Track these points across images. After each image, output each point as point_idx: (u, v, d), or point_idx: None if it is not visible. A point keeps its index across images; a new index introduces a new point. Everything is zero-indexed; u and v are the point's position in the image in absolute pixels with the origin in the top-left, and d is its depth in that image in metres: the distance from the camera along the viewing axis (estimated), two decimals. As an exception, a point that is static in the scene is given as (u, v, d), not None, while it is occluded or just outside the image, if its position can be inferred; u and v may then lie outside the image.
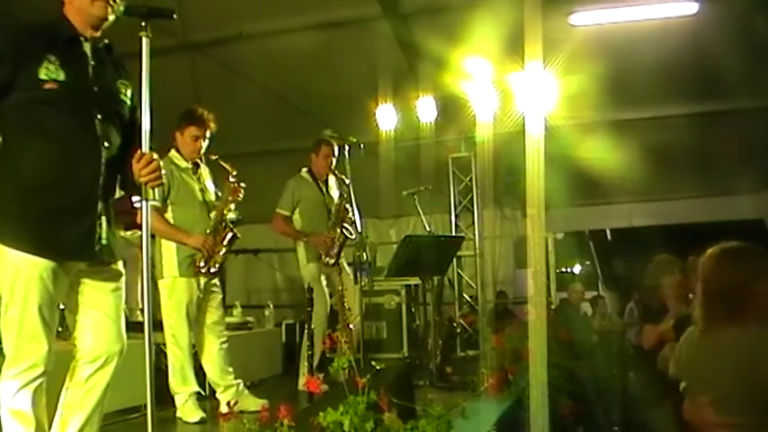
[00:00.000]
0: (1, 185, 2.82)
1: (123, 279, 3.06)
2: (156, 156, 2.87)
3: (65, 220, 2.81)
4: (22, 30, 2.86)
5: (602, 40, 6.80)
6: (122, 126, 3.00)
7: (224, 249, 4.97)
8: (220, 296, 5.15)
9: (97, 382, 2.95)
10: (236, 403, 3.49)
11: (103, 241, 2.91)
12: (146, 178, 2.84)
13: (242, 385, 5.10)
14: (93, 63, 2.91)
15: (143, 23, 2.77)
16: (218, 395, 5.06)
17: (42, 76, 2.74)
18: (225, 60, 7.87)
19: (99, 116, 2.87)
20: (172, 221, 4.93)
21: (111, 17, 2.90)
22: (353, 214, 5.88)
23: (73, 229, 2.82)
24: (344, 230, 5.97)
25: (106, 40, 2.99)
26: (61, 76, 2.77)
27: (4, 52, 2.76)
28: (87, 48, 2.91)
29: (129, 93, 3.05)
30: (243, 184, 4.98)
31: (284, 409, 1.99)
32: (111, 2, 2.85)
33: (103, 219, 2.91)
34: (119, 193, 5.27)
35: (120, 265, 3.06)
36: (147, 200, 2.87)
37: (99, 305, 2.96)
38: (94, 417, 2.98)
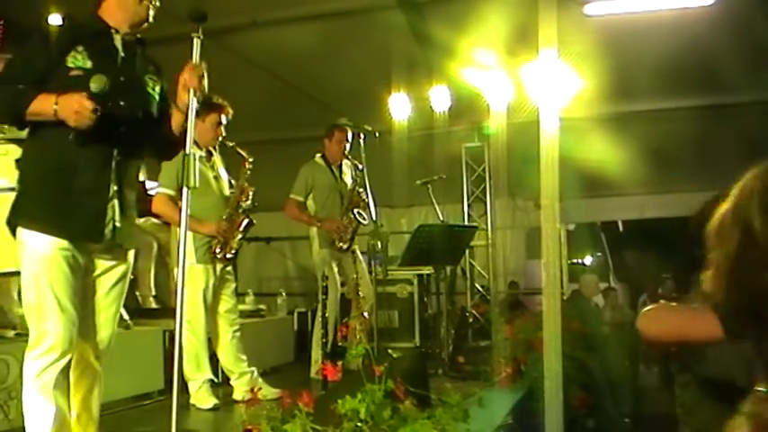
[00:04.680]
0: (25, 169, 2.96)
1: (129, 268, 3.13)
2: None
3: (75, 200, 2.87)
4: (56, 28, 3.06)
5: (617, 30, 6.76)
6: (148, 118, 3.10)
7: (240, 235, 4.99)
8: (234, 284, 5.17)
9: (84, 372, 3.01)
10: (259, 389, 3.50)
11: (117, 224, 2.95)
12: (192, 83, 3.01)
13: (256, 373, 5.12)
14: (122, 55, 3.02)
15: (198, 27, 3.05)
16: (232, 382, 5.09)
17: (69, 64, 2.86)
18: (238, 48, 7.85)
19: (122, 103, 2.93)
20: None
21: (151, 19, 3.05)
22: (367, 199, 5.89)
23: (82, 210, 2.89)
24: (357, 216, 5.98)
25: (138, 35, 3.10)
26: (88, 65, 2.88)
27: (41, 48, 2.90)
28: (118, 40, 3.03)
29: (157, 88, 3.15)
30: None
31: (306, 396, 1.99)
32: (154, 3, 3.02)
33: (116, 202, 2.95)
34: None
35: (130, 255, 3.13)
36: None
37: (98, 291, 3.02)
38: (91, 400, 3.04)
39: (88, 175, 2.88)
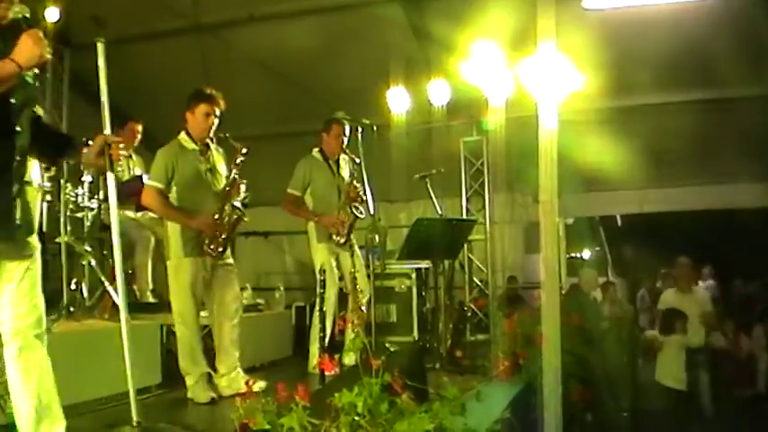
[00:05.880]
0: None
1: (38, 253, 3.14)
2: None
3: None
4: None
5: (615, 24, 6.75)
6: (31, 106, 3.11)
7: (227, 232, 4.95)
8: (232, 274, 5.09)
9: (29, 357, 3.04)
10: (254, 382, 3.50)
11: (18, 221, 2.98)
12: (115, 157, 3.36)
13: (238, 368, 5.08)
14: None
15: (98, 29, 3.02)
16: (214, 379, 5.05)
17: None
18: (236, 43, 7.84)
19: (12, 101, 2.91)
20: (176, 203, 4.93)
21: (11, 15, 2.94)
22: (365, 193, 5.86)
23: None
24: (354, 210, 5.96)
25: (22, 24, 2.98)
26: None
27: None
28: None
29: (30, 72, 3.08)
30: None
31: (302, 390, 1.98)
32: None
33: (18, 200, 2.97)
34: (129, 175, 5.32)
35: (34, 239, 3.14)
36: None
37: (15, 280, 3.03)
38: (45, 382, 3.07)
39: None
